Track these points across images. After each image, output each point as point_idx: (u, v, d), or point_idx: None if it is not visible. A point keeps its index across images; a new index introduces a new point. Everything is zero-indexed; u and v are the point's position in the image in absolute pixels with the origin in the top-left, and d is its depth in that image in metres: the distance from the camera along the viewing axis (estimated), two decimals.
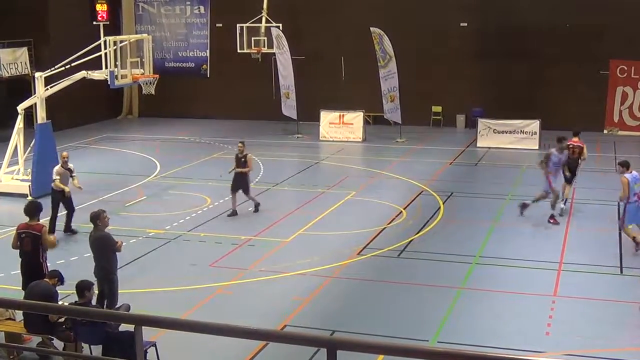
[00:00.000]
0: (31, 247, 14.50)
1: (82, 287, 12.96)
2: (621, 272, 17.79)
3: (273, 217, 21.96)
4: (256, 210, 22.49)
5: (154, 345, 13.11)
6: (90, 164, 29.43)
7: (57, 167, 20.84)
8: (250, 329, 6.18)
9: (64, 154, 21.38)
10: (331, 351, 5.57)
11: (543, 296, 16.32)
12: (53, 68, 25.18)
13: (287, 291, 16.82)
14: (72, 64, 24.92)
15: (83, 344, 12.99)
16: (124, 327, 12.35)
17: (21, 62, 34.96)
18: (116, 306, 14.22)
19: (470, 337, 14.27)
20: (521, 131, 32.47)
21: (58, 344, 13.22)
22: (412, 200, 23.92)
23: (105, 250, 14.56)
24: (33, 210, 14.92)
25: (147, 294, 16.51)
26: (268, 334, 7.18)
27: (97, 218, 14.61)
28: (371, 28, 34.34)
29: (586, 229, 21.05)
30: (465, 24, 36.96)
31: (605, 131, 35.90)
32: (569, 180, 22.53)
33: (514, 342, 14.00)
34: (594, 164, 29.27)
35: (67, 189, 20.60)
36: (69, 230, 20.85)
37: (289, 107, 35.83)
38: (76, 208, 20.87)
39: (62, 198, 20.67)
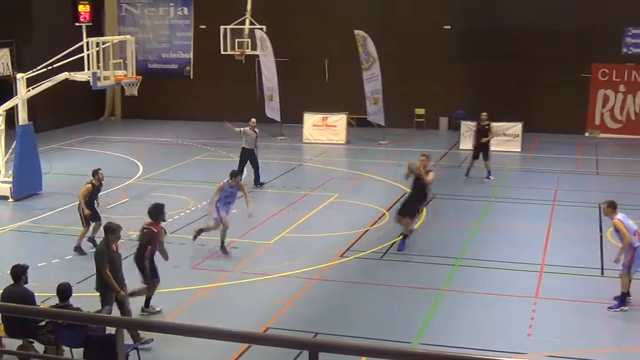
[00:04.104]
0: (144, 242, 15.39)
1: (64, 290, 12.89)
2: (602, 273, 17.87)
3: (256, 219, 21.90)
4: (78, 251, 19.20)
5: (136, 348, 13.09)
6: (73, 166, 29.32)
7: (246, 129, 25.83)
8: (233, 332, 6.17)
9: (253, 120, 26.38)
10: (313, 353, 5.58)
11: (525, 298, 16.39)
12: (35, 69, 25.05)
13: (270, 293, 16.81)
14: (55, 65, 24.79)
15: (64, 347, 12.94)
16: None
17: (3, 63, 34.80)
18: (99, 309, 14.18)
19: (453, 339, 14.31)
20: (504, 133, 32.55)
21: (39, 347, 13.14)
22: (395, 202, 23.90)
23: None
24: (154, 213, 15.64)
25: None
26: (251, 336, 7.18)
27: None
28: (355, 31, 34.39)
29: (567, 231, 21.14)
30: (449, 27, 37.04)
31: (586, 133, 36.10)
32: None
33: (496, 344, 14.05)
34: (576, 166, 29.46)
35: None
36: (258, 183, 25.86)
37: (272, 109, 35.80)
38: (58, 210, 20.80)
39: (250, 155, 25.73)
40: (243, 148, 25.96)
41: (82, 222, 19.35)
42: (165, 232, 15.96)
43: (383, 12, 37.16)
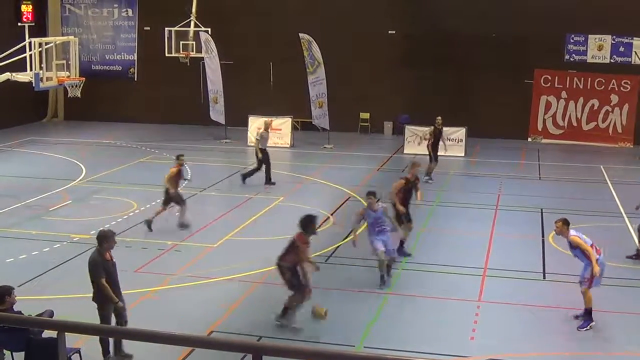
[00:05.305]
0: (284, 252, 15.23)
1: (3, 293, 12.71)
2: (544, 277, 18.10)
3: (200, 223, 21.81)
4: None
5: (78, 351, 12.95)
6: (15, 168, 28.94)
7: (262, 131, 26.68)
8: (176, 335, 6.14)
9: (268, 120, 28.30)
10: (257, 357, 5.57)
11: (468, 301, 16.51)
12: None
13: (214, 297, 16.74)
14: None
15: (5, 351, 12.75)
16: (47, 333, 12.16)
17: None
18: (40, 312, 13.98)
19: (396, 342, 14.38)
20: (448, 138, 32.77)
21: None
22: (340, 206, 24.00)
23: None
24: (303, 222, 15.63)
25: (71, 300, 16.24)
26: (194, 340, 7.14)
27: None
28: (300, 34, 34.43)
29: (510, 235, 21.36)
30: (394, 32, 37.26)
31: (529, 139, 36.57)
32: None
33: (440, 347, 14.14)
34: (519, 171, 29.79)
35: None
36: (270, 181, 26.60)
37: (217, 112, 35.69)
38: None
39: (268, 155, 26.48)
40: (262, 149, 26.48)
41: (164, 202, 21.34)
42: (308, 245, 15.31)
43: (328, 16, 37.23)
